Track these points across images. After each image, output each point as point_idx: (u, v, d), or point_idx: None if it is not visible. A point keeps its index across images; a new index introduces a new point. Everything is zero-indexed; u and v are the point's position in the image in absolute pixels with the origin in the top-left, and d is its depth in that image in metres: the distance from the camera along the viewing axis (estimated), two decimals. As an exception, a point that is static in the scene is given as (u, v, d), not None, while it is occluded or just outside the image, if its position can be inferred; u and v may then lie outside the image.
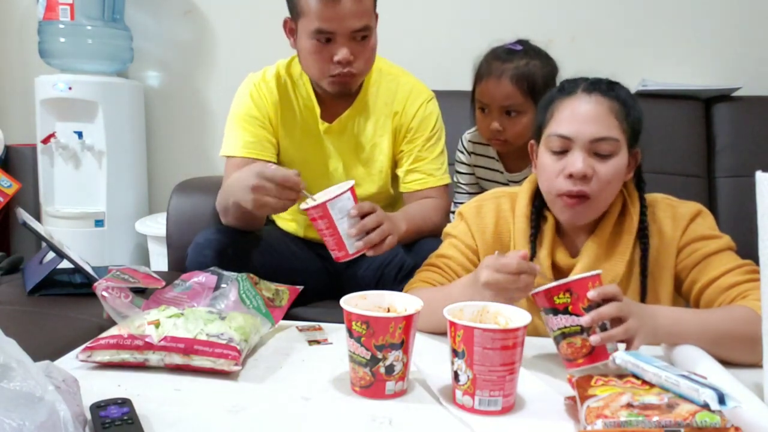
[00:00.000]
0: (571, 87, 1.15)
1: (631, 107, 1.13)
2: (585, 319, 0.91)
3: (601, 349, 0.92)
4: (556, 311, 0.94)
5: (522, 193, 1.23)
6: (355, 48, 1.44)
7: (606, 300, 0.92)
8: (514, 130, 1.65)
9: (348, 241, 1.21)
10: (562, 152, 1.12)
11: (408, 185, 1.59)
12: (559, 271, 1.18)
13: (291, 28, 1.50)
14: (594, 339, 0.91)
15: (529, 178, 1.26)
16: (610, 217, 1.17)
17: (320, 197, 1.21)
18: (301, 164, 1.56)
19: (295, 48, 1.53)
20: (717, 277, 1.10)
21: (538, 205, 1.21)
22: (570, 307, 0.92)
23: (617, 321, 0.92)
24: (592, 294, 0.91)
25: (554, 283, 0.94)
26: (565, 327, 0.94)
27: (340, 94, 1.53)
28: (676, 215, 1.17)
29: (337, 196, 1.19)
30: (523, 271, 0.96)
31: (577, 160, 1.10)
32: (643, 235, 1.16)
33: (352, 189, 1.21)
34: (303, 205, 1.20)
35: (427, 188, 1.58)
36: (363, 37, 1.44)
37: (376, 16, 1.51)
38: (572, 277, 0.96)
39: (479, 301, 0.97)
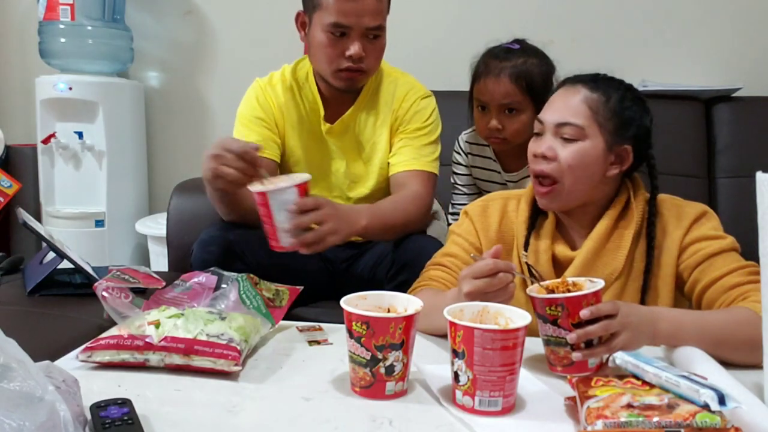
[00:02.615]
0: (568, 79, 1.22)
1: (618, 103, 1.16)
2: (571, 336, 0.92)
3: (582, 363, 0.94)
4: (545, 319, 0.95)
5: (526, 192, 1.26)
6: (367, 45, 1.48)
7: (599, 318, 0.92)
8: (513, 127, 1.65)
9: (282, 235, 1.21)
10: (539, 135, 1.18)
11: (392, 168, 1.59)
12: (558, 264, 1.19)
13: (303, 22, 1.53)
14: (575, 355, 0.93)
15: None
16: (612, 212, 1.18)
17: (277, 182, 1.20)
18: (307, 165, 1.60)
19: (304, 41, 1.56)
20: (719, 277, 1.10)
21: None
22: (559, 321, 0.94)
23: (608, 335, 0.93)
24: (584, 313, 0.92)
25: (549, 296, 0.95)
26: (551, 336, 0.95)
27: (346, 90, 1.54)
28: (680, 215, 1.18)
29: (279, 189, 1.18)
30: (499, 269, 0.96)
31: (543, 143, 1.16)
32: (650, 238, 1.16)
33: (301, 186, 1.20)
34: (250, 186, 1.20)
35: (409, 170, 1.55)
36: (375, 35, 1.48)
37: None
38: (569, 293, 0.96)
39: None
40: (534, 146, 1.18)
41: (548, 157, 1.15)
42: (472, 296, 0.97)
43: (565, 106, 1.16)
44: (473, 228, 1.26)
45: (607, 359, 0.93)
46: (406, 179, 1.56)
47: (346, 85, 1.52)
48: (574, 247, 1.20)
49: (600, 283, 0.97)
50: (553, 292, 0.97)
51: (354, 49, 1.45)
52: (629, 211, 1.18)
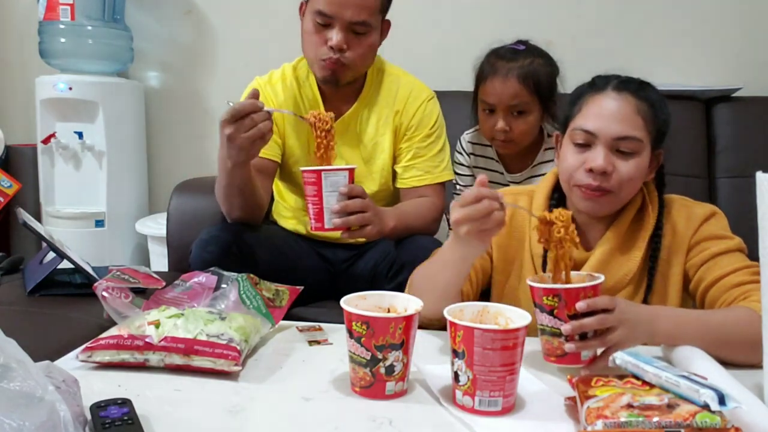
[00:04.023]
0: (602, 83, 1.16)
1: (659, 109, 1.15)
2: (565, 328, 0.92)
3: (575, 355, 0.94)
4: (542, 309, 0.95)
5: (540, 188, 1.25)
6: (351, 39, 1.47)
7: (596, 311, 0.92)
8: (520, 129, 1.65)
9: (327, 216, 1.30)
10: (585, 146, 1.13)
11: (405, 181, 1.61)
12: (572, 266, 1.18)
13: (304, 11, 1.55)
14: (568, 346, 0.93)
15: (550, 172, 1.26)
16: (628, 213, 1.18)
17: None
18: (307, 163, 1.59)
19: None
20: (722, 276, 1.10)
21: (557, 199, 1.22)
22: (555, 311, 0.94)
23: (604, 329, 0.93)
24: (580, 306, 0.92)
25: (547, 285, 0.95)
26: (547, 326, 0.95)
27: (326, 82, 1.54)
28: (690, 215, 1.18)
29: (333, 170, 1.28)
30: (483, 196, 0.96)
31: (598, 156, 1.11)
32: (656, 237, 1.16)
33: (351, 171, 1.30)
34: (303, 167, 1.30)
35: (423, 185, 1.59)
36: (360, 32, 1.48)
37: (386, 23, 1.56)
38: (567, 285, 0.96)
39: (464, 248, 1.00)
40: (582, 160, 1.13)
41: (608, 173, 1.12)
42: (459, 223, 0.97)
43: (622, 118, 1.11)
44: None
45: (602, 353, 0.94)
46: (421, 192, 1.59)
47: (327, 76, 1.52)
48: (588, 248, 1.19)
49: (600, 278, 0.97)
50: (551, 223, 0.98)
51: (335, 39, 1.46)
52: (645, 215, 1.18)
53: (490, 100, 1.65)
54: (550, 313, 0.94)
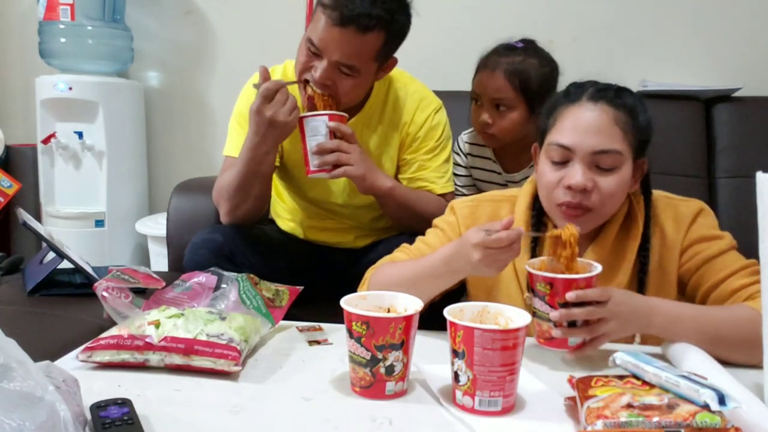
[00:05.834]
0: (577, 93, 1.10)
1: (639, 116, 1.09)
2: (553, 315, 0.95)
3: (562, 340, 0.98)
4: (536, 294, 0.99)
5: (521, 198, 1.20)
6: (337, 76, 1.41)
7: (586, 303, 0.94)
8: (502, 125, 1.65)
9: (311, 159, 1.37)
10: (562, 162, 1.09)
11: None
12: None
13: (309, 21, 1.50)
14: (555, 332, 0.96)
15: (529, 181, 1.23)
16: (614, 224, 1.14)
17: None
18: (304, 167, 1.56)
19: None
20: (722, 279, 1.09)
21: (538, 210, 1.18)
22: (547, 298, 0.97)
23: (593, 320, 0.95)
24: (569, 296, 0.94)
25: (542, 273, 0.98)
26: (539, 310, 0.99)
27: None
28: (677, 215, 1.15)
29: (312, 115, 1.34)
30: (513, 241, 0.98)
31: (576, 173, 1.06)
32: (645, 246, 1.13)
33: (333, 116, 1.36)
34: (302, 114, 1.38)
35: None
36: (347, 73, 1.41)
37: (392, 60, 1.51)
38: (561, 275, 0.98)
39: (464, 268, 1.03)
40: (560, 177, 1.08)
41: (588, 190, 1.06)
42: (483, 262, 0.99)
43: (599, 130, 1.06)
44: (457, 225, 1.22)
45: (590, 341, 0.97)
46: None
47: (309, 102, 1.45)
48: None
49: (597, 269, 0.99)
50: (560, 238, 1.00)
51: (318, 72, 1.39)
52: (633, 222, 1.14)
53: (477, 90, 1.68)
54: (543, 298, 0.98)
